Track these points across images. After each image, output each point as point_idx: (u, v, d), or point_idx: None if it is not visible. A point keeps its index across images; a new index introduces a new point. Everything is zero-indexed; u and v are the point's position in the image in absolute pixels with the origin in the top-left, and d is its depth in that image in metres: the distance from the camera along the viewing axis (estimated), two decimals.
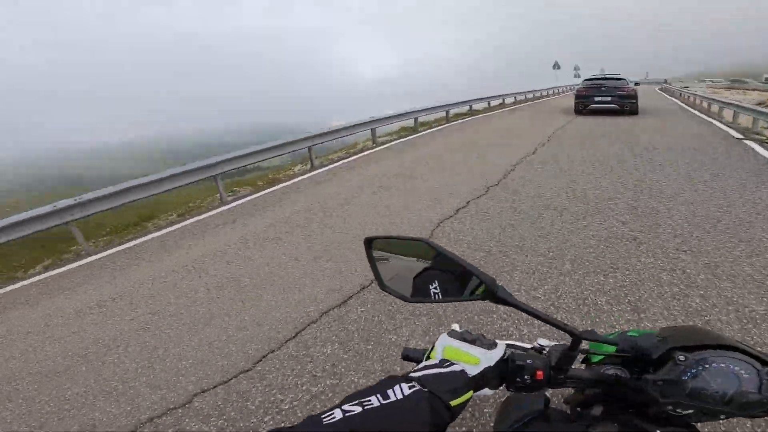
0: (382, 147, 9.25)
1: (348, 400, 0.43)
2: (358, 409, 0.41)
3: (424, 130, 11.49)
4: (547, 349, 0.61)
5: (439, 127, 12.13)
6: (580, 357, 0.64)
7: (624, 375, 0.57)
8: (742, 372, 0.52)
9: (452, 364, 0.52)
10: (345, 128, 8.79)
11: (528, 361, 0.57)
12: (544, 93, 25.90)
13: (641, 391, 0.55)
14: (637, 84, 15.16)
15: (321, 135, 8.09)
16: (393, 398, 0.43)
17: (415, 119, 11.46)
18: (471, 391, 0.51)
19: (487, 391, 0.57)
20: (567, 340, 0.58)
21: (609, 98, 12.54)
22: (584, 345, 0.60)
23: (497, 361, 0.55)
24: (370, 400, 0.43)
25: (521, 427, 0.64)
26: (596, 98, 12.78)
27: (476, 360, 0.53)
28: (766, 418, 0.58)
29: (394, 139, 10.23)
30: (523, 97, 21.77)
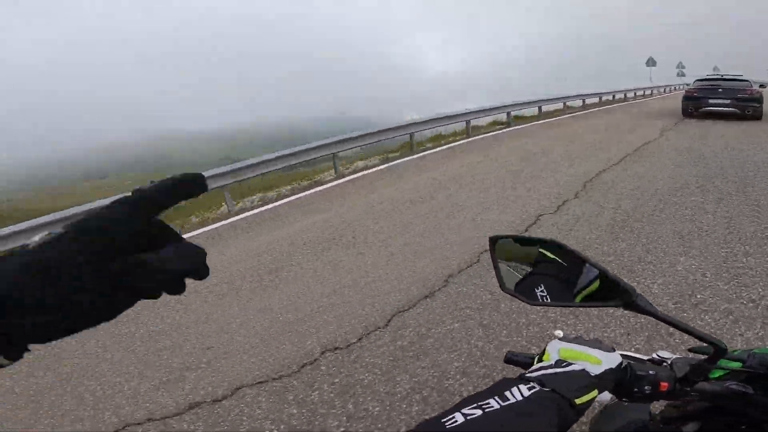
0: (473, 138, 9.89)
1: (465, 403, 0.42)
2: (479, 412, 0.40)
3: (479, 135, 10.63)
4: (670, 360, 0.60)
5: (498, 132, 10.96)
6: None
7: (749, 392, 0.55)
8: None
9: (571, 363, 0.50)
10: (438, 119, 9.91)
11: (650, 372, 0.55)
12: (638, 93, 22.73)
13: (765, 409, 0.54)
14: (762, 86, 13.13)
15: (423, 123, 9.36)
16: (512, 400, 0.42)
17: (467, 122, 10.63)
18: (596, 390, 0.48)
19: (606, 395, 0.54)
20: (684, 353, 0.58)
21: (728, 101, 11.06)
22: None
23: (617, 366, 0.53)
24: (489, 403, 0.41)
25: None
26: (710, 100, 11.35)
27: (598, 360, 0.51)
28: None
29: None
30: (610, 98, 19.23)
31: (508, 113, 11.65)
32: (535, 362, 0.54)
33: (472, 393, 0.45)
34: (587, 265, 0.55)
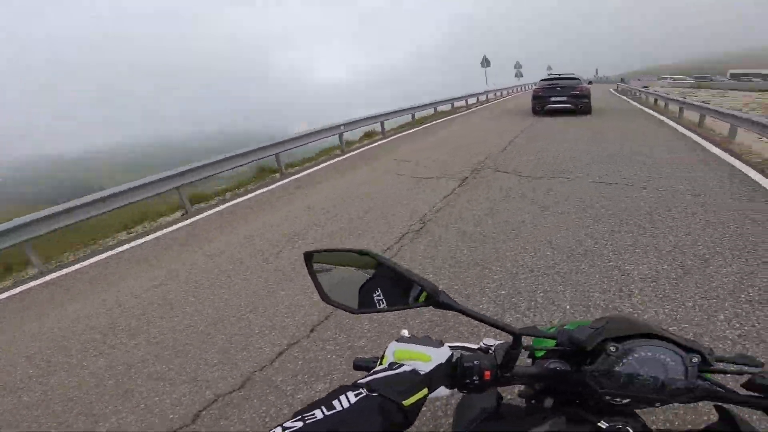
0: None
1: (293, 416, 0.42)
2: (299, 424, 0.40)
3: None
4: (493, 348, 0.63)
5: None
6: (526, 353, 0.65)
7: (564, 368, 0.59)
8: (668, 360, 0.54)
9: (402, 365, 0.53)
10: (308, 135, 8.94)
11: (475, 362, 0.58)
12: (482, 98, 22.16)
13: (582, 383, 0.57)
14: (590, 83, 15.51)
15: (290, 140, 8.24)
16: (338, 408, 0.43)
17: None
18: (425, 389, 0.51)
19: (443, 390, 0.58)
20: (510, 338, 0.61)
21: (564, 98, 12.72)
22: (528, 341, 0.63)
23: (447, 361, 0.57)
24: (313, 414, 0.42)
25: (476, 427, 0.65)
26: (552, 98, 12.95)
27: (428, 357, 0.55)
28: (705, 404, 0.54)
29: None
30: (449, 107, 17.73)
31: (382, 123, 11.47)
32: (377, 366, 0.56)
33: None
34: (395, 270, 0.57)
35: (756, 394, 0.54)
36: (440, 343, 0.59)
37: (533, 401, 0.67)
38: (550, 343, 0.63)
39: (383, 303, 0.60)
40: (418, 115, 14.50)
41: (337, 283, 0.64)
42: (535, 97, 13.28)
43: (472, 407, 0.70)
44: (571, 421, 0.58)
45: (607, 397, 0.56)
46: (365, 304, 0.61)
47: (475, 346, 0.65)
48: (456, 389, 0.59)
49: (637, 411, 0.60)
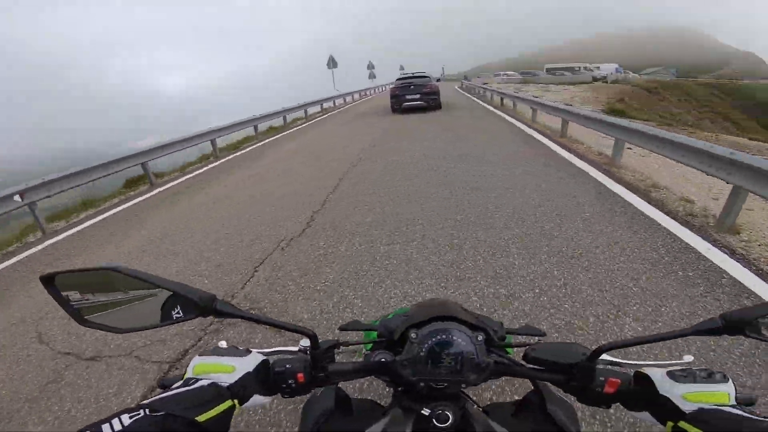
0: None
1: None
2: None
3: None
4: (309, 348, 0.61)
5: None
6: (361, 348, 0.71)
7: (385, 359, 0.58)
8: (460, 340, 0.57)
9: (199, 379, 0.52)
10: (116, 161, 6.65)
11: (287, 366, 0.58)
12: (335, 102, 20.64)
13: (400, 373, 0.58)
14: (438, 80, 16.57)
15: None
16: None
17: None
18: (230, 401, 0.51)
19: (259, 398, 0.57)
20: (358, 336, 0.70)
21: (418, 96, 13.40)
22: (352, 337, 0.76)
23: (257, 368, 0.57)
24: None
25: (314, 428, 0.64)
26: (407, 96, 13.54)
27: (230, 368, 0.54)
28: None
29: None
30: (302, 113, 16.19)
31: (213, 141, 9.31)
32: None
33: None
34: (155, 284, 0.53)
35: (533, 366, 0.60)
36: (247, 352, 0.59)
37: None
38: (374, 335, 0.68)
39: (157, 318, 0.55)
40: (269, 124, 12.91)
41: (93, 303, 0.56)
42: (393, 96, 13.78)
43: (314, 408, 0.67)
44: (404, 412, 0.59)
45: (421, 384, 0.57)
46: (132, 321, 0.56)
47: (296, 348, 0.65)
48: (271, 394, 0.59)
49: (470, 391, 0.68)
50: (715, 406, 0.49)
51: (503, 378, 0.63)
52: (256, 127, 11.77)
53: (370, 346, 0.66)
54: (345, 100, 22.66)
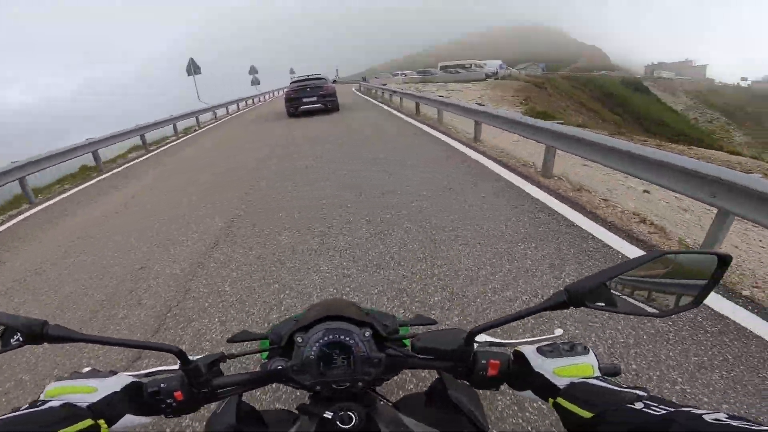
0: None
1: None
2: None
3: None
4: (194, 365, 0.57)
5: None
6: (261, 356, 0.69)
7: (280, 367, 0.58)
8: (347, 338, 0.57)
9: (49, 401, 0.48)
10: None
11: (162, 385, 0.55)
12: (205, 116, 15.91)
13: (294, 378, 0.57)
14: (334, 82, 16.07)
15: None
16: None
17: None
18: (90, 421, 0.47)
19: (133, 419, 0.54)
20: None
21: (315, 98, 12.97)
22: (238, 348, 0.79)
23: (126, 389, 0.54)
24: None
25: None
26: (304, 99, 13.00)
27: (90, 389, 0.51)
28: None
29: None
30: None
31: (95, 153, 7.40)
32: None
33: None
34: None
35: (423, 356, 0.60)
36: (111, 374, 0.55)
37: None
38: (267, 344, 0.67)
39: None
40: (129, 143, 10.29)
41: None
42: (289, 100, 13.23)
43: (214, 425, 0.64)
44: (310, 418, 0.58)
45: (317, 388, 0.57)
46: None
47: (177, 367, 0.60)
48: (144, 415, 0.56)
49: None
50: (583, 379, 0.52)
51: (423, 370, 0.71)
52: (95, 155, 8.18)
53: (266, 354, 0.64)
54: (215, 115, 17.27)
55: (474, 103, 8.43)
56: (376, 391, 0.69)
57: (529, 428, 1.52)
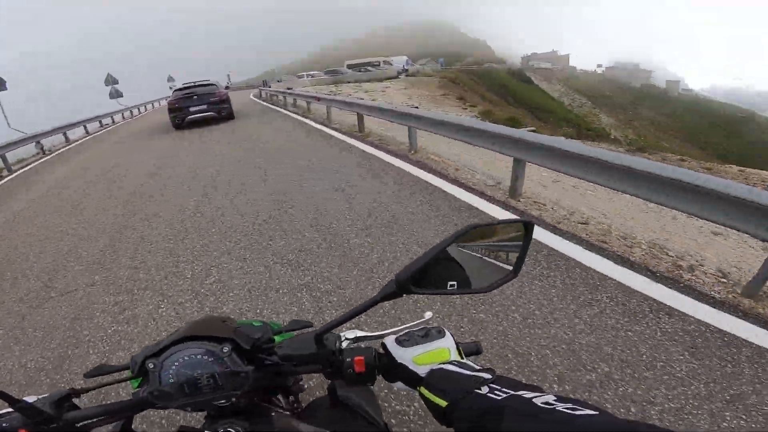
0: None
1: None
2: None
3: None
4: (36, 402, 0.56)
5: None
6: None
7: (140, 396, 0.58)
8: (206, 357, 0.55)
9: None
10: None
11: (3, 425, 0.55)
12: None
13: (160, 404, 0.56)
14: (227, 87, 14.48)
15: None
16: None
17: None
18: None
19: None
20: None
21: (204, 106, 11.72)
22: (91, 382, 0.63)
23: None
24: None
25: None
26: (191, 108, 11.64)
27: None
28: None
29: None
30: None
31: None
32: None
33: None
34: None
35: (290, 363, 0.60)
36: None
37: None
38: (128, 374, 0.63)
39: None
40: None
41: None
42: (172, 110, 11.76)
43: None
44: None
45: (216, 403, 0.57)
46: None
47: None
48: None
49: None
50: (440, 365, 0.53)
51: None
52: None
53: (137, 382, 0.62)
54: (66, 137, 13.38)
55: (407, 105, 7.38)
56: (276, 401, 0.73)
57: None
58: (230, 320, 0.65)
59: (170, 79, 25.03)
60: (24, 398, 0.55)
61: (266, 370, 0.59)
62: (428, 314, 0.65)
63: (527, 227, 0.55)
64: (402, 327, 0.63)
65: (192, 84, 12.43)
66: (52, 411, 0.54)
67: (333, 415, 0.67)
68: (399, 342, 0.58)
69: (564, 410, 0.36)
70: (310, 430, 0.59)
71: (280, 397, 0.77)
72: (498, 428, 0.39)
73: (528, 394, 0.41)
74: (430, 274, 0.53)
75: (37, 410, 0.53)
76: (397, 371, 0.57)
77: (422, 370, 0.53)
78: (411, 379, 0.55)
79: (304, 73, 40.65)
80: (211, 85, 12.29)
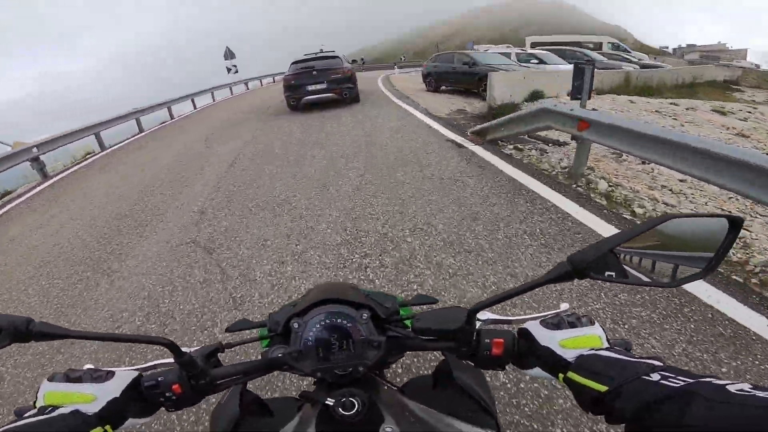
0: None
1: None
2: None
3: None
4: (190, 355, 0.57)
5: None
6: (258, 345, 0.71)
7: (279, 354, 0.58)
8: (345, 321, 0.57)
9: (57, 408, 0.48)
10: None
11: (159, 379, 0.56)
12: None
13: (294, 366, 0.58)
14: (354, 62, 12.22)
15: None
16: None
17: None
18: (99, 428, 0.48)
19: (135, 420, 0.55)
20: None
21: (324, 84, 9.72)
22: (236, 337, 0.68)
23: (125, 391, 0.53)
24: None
25: None
26: (309, 87, 9.72)
27: (90, 397, 0.50)
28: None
29: None
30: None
31: None
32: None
33: None
34: None
35: (424, 337, 0.59)
36: (108, 375, 0.54)
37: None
38: (265, 332, 0.66)
39: None
40: None
41: None
42: (288, 87, 9.98)
43: (219, 415, 0.66)
44: (313, 405, 0.59)
45: (335, 370, 0.57)
46: None
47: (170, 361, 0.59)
48: (143, 416, 0.56)
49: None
50: (592, 351, 0.50)
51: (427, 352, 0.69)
52: None
53: (267, 342, 0.65)
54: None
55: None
56: (381, 375, 0.74)
57: (542, 410, 1.54)
58: (359, 288, 0.68)
59: (229, 55, 18.38)
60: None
61: (396, 342, 0.60)
62: (565, 305, 0.63)
63: (734, 223, 0.49)
64: (541, 314, 0.61)
65: (313, 56, 10.48)
66: (203, 364, 0.57)
67: (441, 395, 0.67)
68: (545, 325, 0.57)
69: (765, 397, 0.33)
70: (421, 409, 0.61)
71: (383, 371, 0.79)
72: (681, 416, 0.36)
73: (717, 381, 0.38)
74: (610, 260, 0.49)
75: (195, 363, 0.56)
76: (537, 356, 0.55)
77: (569, 355, 0.51)
78: (555, 364, 0.53)
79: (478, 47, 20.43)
80: (335, 57, 10.30)
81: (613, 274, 0.50)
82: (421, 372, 1.68)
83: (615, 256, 0.49)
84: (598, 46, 19.73)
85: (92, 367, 0.55)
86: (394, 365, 0.77)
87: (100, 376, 0.53)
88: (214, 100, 17.31)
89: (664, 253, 0.52)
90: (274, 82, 24.50)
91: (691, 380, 0.39)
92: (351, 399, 0.54)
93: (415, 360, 1.75)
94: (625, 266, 0.51)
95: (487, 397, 0.66)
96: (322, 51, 11.03)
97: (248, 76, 23.05)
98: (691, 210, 3.58)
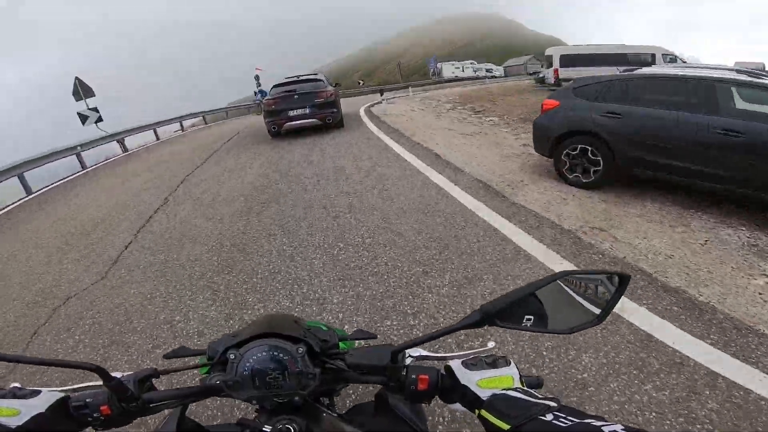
0: None
1: None
2: None
3: None
4: (122, 378, 0.60)
5: None
6: (201, 372, 0.70)
7: (214, 383, 0.60)
8: (280, 355, 0.60)
9: None
10: None
11: (87, 400, 0.57)
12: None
13: (230, 394, 0.60)
14: (337, 85, 11.40)
15: None
16: None
17: None
18: None
19: None
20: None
21: (307, 110, 9.36)
22: (177, 363, 0.69)
23: (52, 408, 0.55)
24: None
25: None
26: (291, 113, 9.33)
27: (14, 411, 0.53)
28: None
29: None
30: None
31: None
32: None
33: None
34: None
35: (356, 372, 0.64)
36: (35, 393, 0.57)
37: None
38: (204, 359, 0.67)
39: None
40: None
41: None
42: (269, 113, 9.59)
43: None
44: None
45: (273, 398, 0.60)
46: None
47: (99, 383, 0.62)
48: (94, 429, 0.59)
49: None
50: (504, 391, 0.57)
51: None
52: None
53: (206, 369, 0.66)
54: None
55: None
56: (331, 401, 0.81)
57: None
58: (301, 320, 0.70)
59: (81, 91, 11.88)
60: (113, 374, 0.59)
61: (331, 374, 0.64)
62: (491, 344, 0.74)
63: (622, 279, 0.58)
64: (465, 352, 0.69)
65: (294, 78, 10.04)
66: (135, 390, 0.59)
67: (380, 422, 0.73)
68: (466, 365, 0.63)
69: None
70: None
71: (324, 398, 0.82)
72: None
73: (596, 423, 0.44)
74: (515, 310, 0.58)
75: (124, 388, 0.58)
76: (457, 392, 0.61)
77: (484, 394, 0.57)
78: (471, 401, 0.59)
79: (455, 63, 21.99)
80: (318, 80, 9.83)
81: (519, 323, 0.59)
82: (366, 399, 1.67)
83: (522, 307, 0.58)
84: (651, 59, 17.35)
85: (18, 385, 0.58)
86: (342, 392, 0.84)
87: (25, 394, 0.56)
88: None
89: (562, 304, 0.60)
90: (206, 124, 17.85)
91: (577, 421, 0.45)
92: (288, 426, 0.57)
93: (360, 387, 1.89)
94: (529, 315, 0.59)
95: (421, 424, 0.72)
96: (257, 76, 10.98)
97: (149, 120, 14.28)
98: None
